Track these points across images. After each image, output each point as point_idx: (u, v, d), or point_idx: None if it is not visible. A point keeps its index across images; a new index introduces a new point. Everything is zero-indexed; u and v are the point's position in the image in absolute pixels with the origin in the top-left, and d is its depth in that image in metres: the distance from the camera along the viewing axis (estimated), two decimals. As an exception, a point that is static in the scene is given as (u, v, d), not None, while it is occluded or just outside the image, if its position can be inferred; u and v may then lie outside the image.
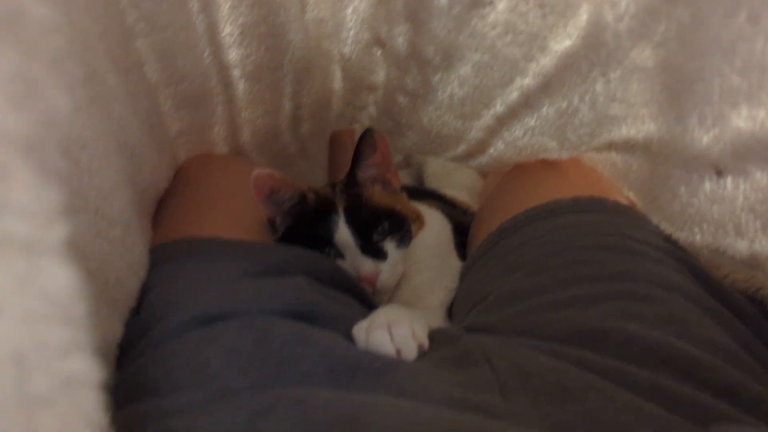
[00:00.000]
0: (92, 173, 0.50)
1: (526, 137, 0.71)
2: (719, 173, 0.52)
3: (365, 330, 0.56)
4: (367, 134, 0.76)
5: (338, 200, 0.77)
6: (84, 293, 0.26)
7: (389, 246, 0.76)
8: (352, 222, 0.75)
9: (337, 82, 0.87)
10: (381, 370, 0.49)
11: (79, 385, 0.26)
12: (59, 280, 0.25)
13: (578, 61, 0.61)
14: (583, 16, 0.55)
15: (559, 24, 0.58)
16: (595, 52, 0.60)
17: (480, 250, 0.76)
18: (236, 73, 0.75)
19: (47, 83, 0.24)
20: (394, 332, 0.55)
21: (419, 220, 0.83)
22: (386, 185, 0.82)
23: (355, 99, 0.89)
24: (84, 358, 0.26)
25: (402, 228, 0.78)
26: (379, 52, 0.80)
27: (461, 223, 0.90)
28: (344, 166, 0.81)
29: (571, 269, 0.61)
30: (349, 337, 0.58)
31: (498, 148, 0.80)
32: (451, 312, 0.78)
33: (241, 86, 0.77)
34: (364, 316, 0.62)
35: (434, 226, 0.85)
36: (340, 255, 0.76)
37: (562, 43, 0.59)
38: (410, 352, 0.54)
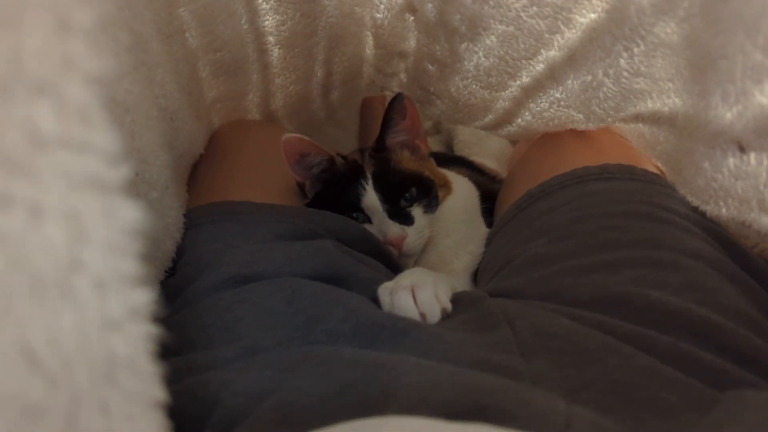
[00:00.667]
0: (134, 136, 0.52)
1: (552, 109, 0.71)
2: (742, 149, 0.51)
3: (390, 291, 0.58)
4: (397, 100, 0.76)
5: (366, 165, 0.78)
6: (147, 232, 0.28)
7: (416, 211, 0.77)
8: (379, 187, 0.76)
9: (369, 49, 0.87)
10: (405, 330, 0.51)
11: (142, 316, 0.29)
12: (132, 216, 0.28)
13: (602, 35, 0.60)
14: None
15: None
16: (619, 26, 0.59)
17: (506, 217, 0.77)
18: (271, 39, 0.76)
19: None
20: (417, 295, 0.56)
21: (447, 186, 0.84)
22: (415, 151, 0.82)
23: (385, 66, 0.88)
24: (147, 291, 0.29)
25: (429, 194, 0.79)
26: (410, 18, 0.80)
27: (489, 190, 0.91)
28: (375, 132, 0.81)
29: (596, 236, 0.61)
30: (376, 300, 0.60)
31: (525, 119, 0.80)
32: (476, 277, 0.79)
33: (275, 53, 0.78)
34: (391, 278, 0.64)
35: (461, 193, 0.86)
36: (368, 220, 0.77)
37: (587, 16, 0.58)
38: (434, 315, 0.56)
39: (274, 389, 0.44)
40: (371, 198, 0.76)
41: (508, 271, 0.65)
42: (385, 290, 0.59)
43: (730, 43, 0.49)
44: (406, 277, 0.59)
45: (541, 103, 0.72)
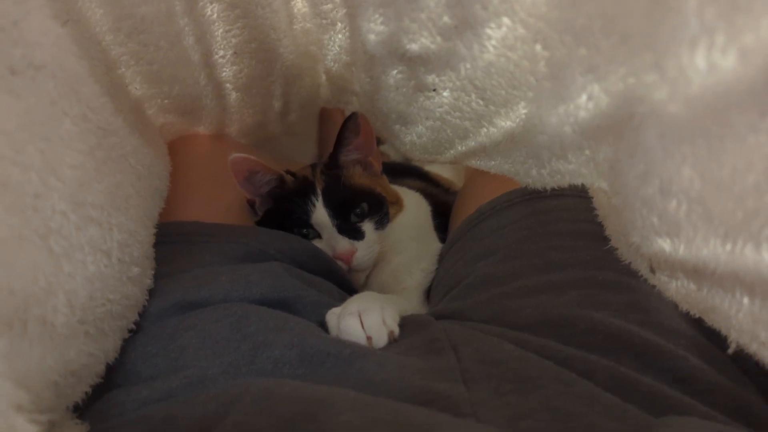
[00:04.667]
0: (112, 229, 0.51)
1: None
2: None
3: (337, 317, 0.57)
4: (351, 119, 0.76)
5: (317, 181, 0.78)
6: None
7: (367, 227, 0.77)
8: (330, 203, 0.75)
9: (324, 77, 0.88)
10: (350, 357, 0.50)
11: None
12: None
13: (519, 146, 0.60)
14: (522, 111, 0.54)
15: (501, 111, 0.57)
16: (531, 147, 0.58)
17: (458, 233, 0.77)
18: (228, 86, 0.76)
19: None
20: (364, 319, 0.56)
21: (398, 203, 0.84)
22: (367, 168, 0.82)
23: (341, 96, 0.89)
24: None
25: (380, 210, 0.79)
26: (355, 72, 0.80)
27: (443, 203, 0.91)
28: (335, 139, 0.81)
29: (543, 255, 0.62)
30: (323, 324, 0.59)
31: (471, 163, 0.80)
32: (429, 294, 0.79)
33: (233, 96, 0.78)
34: (342, 300, 0.63)
35: (413, 209, 0.86)
36: (318, 235, 0.77)
37: (506, 122, 0.57)
38: (380, 339, 0.55)
39: (215, 425, 0.44)
40: (321, 214, 0.75)
41: (457, 292, 0.65)
42: (332, 315, 0.58)
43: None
44: (354, 303, 0.59)
45: (480, 162, 0.73)
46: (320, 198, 0.76)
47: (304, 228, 0.76)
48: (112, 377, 0.53)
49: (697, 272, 0.44)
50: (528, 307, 0.56)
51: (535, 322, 0.54)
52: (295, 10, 0.75)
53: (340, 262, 0.75)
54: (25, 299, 0.35)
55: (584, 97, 0.39)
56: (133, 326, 0.56)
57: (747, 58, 0.29)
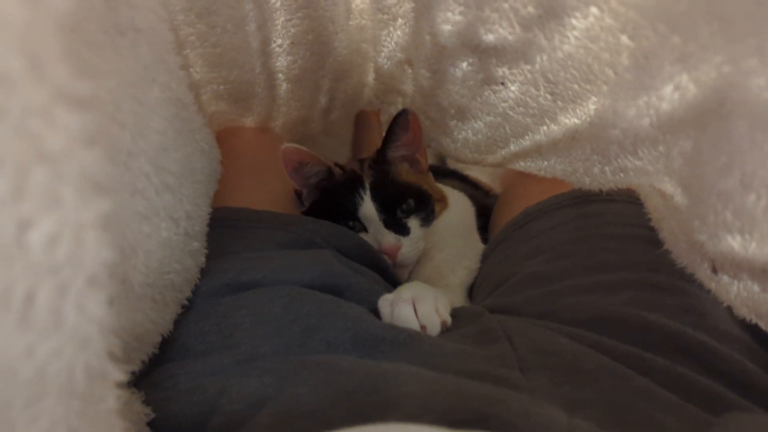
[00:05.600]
0: (182, 200, 0.52)
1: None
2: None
3: (390, 303, 0.58)
4: (402, 115, 0.77)
5: (365, 176, 0.78)
6: None
7: (412, 223, 0.77)
8: (377, 197, 0.76)
9: (371, 77, 0.88)
10: (405, 341, 0.51)
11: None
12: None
13: (582, 143, 0.60)
14: (591, 107, 0.54)
15: (568, 107, 0.57)
16: (598, 142, 0.58)
17: (503, 233, 0.77)
18: (281, 76, 0.77)
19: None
20: (418, 307, 0.56)
21: (443, 200, 0.84)
22: (414, 164, 0.83)
23: (385, 96, 0.90)
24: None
25: (426, 206, 0.79)
26: (409, 71, 0.81)
27: (483, 205, 0.91)
28: (369, 144, 0.82)
29: (594, 256, 0.62)
30: (374, 311, 0.59)
31: (517, 165, 0.80)
32: (471, 293, 0.79)
33: (283, 87, 0.78)
34: (388, 290, 0.63)
35: (458, 207, 0.86)
36: (364, 229, 0.77)
37: (571, 119, 0.58)
38: (434, 328, 0.56)
39: (272, 396, 0.44)
40: (368, 207, 0.76)
41: (506, 288, 0.65)
42: (385, 302, 0.59)
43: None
44: (407, 290, 0.59)
45: (529, 164, 0.74)
46: (368, 192, 0.76)
47: (351, 221, 0.77)
48: (165, 351, 0.53)
49: (766, 272, 0.43)
50: (580, 304, 0.56)
51: (588, 319, 0.54)
52: (353, 6, 0.76)
53: (384, 257, 0.75)
54: (120, 250, 0.36)
55: (670, 88, 0.39)
56: (186, 302, 0.57)
57: None
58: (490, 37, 0.50)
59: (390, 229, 0.75)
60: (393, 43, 0.73)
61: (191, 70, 0.69)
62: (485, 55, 0.56)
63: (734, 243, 0.44)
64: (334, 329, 0.52)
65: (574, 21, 0.43)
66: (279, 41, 0.72)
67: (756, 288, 0.47)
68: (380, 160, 0.80)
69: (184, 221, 0.51)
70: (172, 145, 0.47)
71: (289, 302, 0.56)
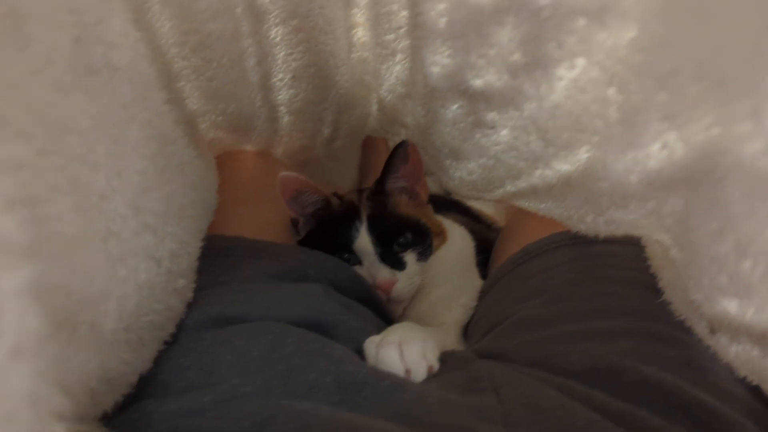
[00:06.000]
0: (165, 238, 0.52)
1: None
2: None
3: (376, 345, 0.56)
4: (401, 146, 0.76)
5: (363, 207, 0.77)
6: None
7: (409, 257, 0.76)
8: (374, 230, 0.75)
9: (375, 107, 0.88)
10: (388, 389, 0.49)
11: None
12: None
13: (576, 190, 0.59)
14: (583, 156, 0.53)
15: (560, 154, 0.56)
16: (589, 192, 0.58)
17: (501, 271, 0.76)
18: (282, 109, 0.77)
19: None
20: (405, 351, 0.55)
21: (442, 234, 0.83)
22: (413, 197, 0.82)
23: (389, 127, 0.90)
24: None
25: (424, 241, 0.78)
26: (410, 105, 0.81)
27: (485, 239, 0.90)
28: (377, 168, 0.81)
29: (593, 300, 0.60)
30: (361, 352, 0.58)
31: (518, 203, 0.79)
32: (467, 331, 0.78)
33: (285, 119, 0.78)
34: (380, 328, 0.62)
35: (457, 242, 0.85)
36: (359, 262, 0.76)
37: (564, 166, 0.57)
38: (419, 373, 0.54)
39: None
40: (364, 240, 0.75)
41: (500, 331, 0.64)
42: (371, 344, 0.57)
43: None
44: (394, 332, 0.58)
45: (528, 203, 0.72)
46: (365, 224, 0.75)
47: (346, 253, 0.76)
48: (144, 386, 0.52)
49: (765, 338, 0.41)
50: (574, 353, 0.54)
51: (582, 369, 0.52)
52: (355, 39, 0.76)
53: (379, 292, 0.74)
54: (79, 301, 0.35)
55: (657, 146, 0.38)
56: (170, 338, 0.56)
57: None
58: (478, 82, 0.49)
59: (385, 263, 0.74)
60: (393, 77, 0.73)
61: (187, 101, 0.69)
62: (474, 99, 0.55)
63: (730, 307, 0.42)
64: (316, 371, 0.51)
65: (561, 71, 0.42)
66: (280, 75, 0.72)
67: (755, 352, 0.45)
68: (378, 191, 0.79)
69: (167, 260, 0.50)
70: (153, 184, 0.47)
71: (273, 340, 0.55)
